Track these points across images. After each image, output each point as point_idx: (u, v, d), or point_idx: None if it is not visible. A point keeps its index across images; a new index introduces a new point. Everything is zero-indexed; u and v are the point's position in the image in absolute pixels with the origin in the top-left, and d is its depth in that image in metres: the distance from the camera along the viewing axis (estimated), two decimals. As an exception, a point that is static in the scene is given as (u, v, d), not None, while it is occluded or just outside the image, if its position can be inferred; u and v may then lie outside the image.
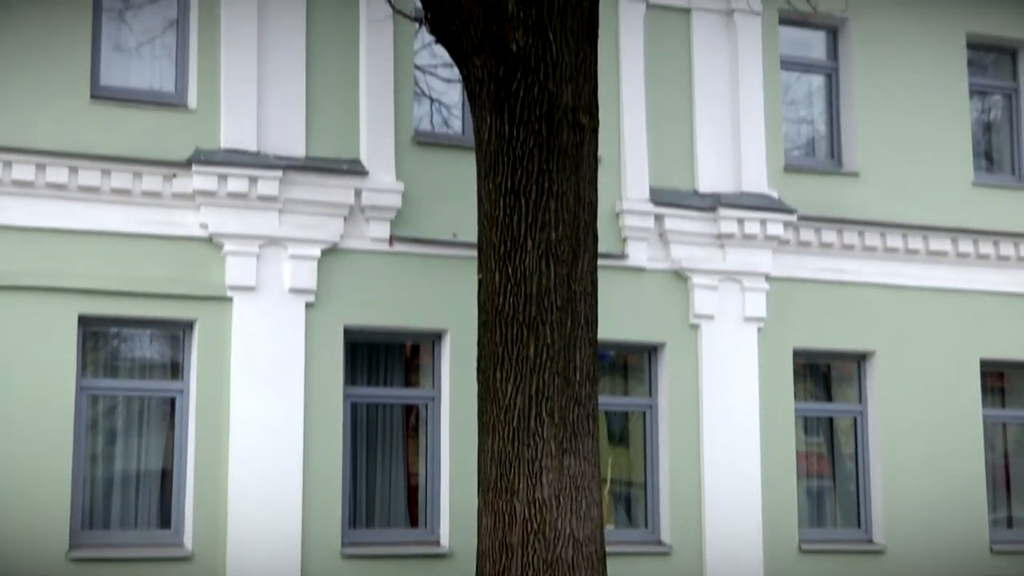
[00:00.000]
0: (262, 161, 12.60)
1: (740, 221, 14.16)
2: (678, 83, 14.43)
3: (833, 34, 15.48)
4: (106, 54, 12.73)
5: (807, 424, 14.90)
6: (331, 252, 12.87)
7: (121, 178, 12.27)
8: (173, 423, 12.54)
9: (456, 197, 12.96)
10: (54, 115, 12.21)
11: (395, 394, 13.52)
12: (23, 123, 12.11)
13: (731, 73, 14.58)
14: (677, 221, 14.06)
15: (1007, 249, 15.41)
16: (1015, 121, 16.22)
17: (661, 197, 14.04)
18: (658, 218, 14.00)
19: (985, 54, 16.28)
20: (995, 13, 15.95)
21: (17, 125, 12.09)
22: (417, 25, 12.55)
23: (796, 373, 14.59)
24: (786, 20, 14.90)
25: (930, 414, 14.88)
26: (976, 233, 15.28)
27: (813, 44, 15.56)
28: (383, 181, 13.01)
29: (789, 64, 15.25)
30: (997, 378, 15.79)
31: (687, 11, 14.56)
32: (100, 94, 12.51)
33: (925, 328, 15.03)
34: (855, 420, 14.94)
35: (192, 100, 12.74)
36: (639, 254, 13.94)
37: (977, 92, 16.12)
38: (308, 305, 12.74)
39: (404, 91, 13.35)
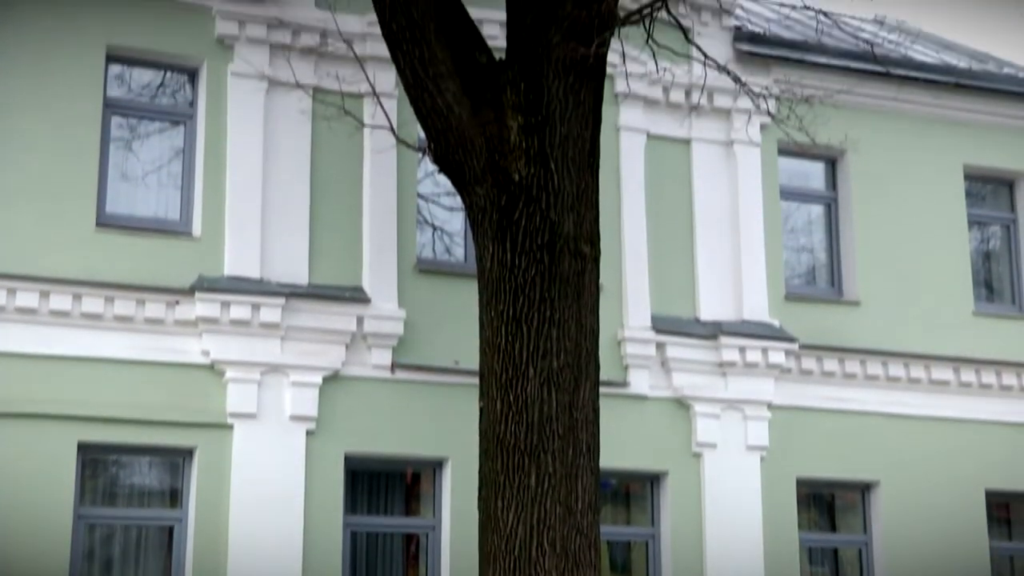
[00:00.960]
0: (265, 288, 12.64)
1: (742, 349, 14.16)
2: (679, 212, 14.53)
3: (832, 165, 15.63)
4: (112, 182, 12.83)
5: (812, 554, 14.72)
6: (333, 379, 12.85)
7: (124, 305, 12.29)
8: (171, 552, 12.39)
9: (458, 325, 12.96)
10: (59, 243, 12.27)
11: (395, 523, 13.40)
12: (28, 250, 12.15)
13: (731, 202, 14.69)
14: (679, 349, 14.06)
15: (1009, 379, 15.38)
16: (1014, 251, 16.31)
17: (663, 325, 14.06)
18: (660, 346, 14.00)
19: (983, 185, 16.43)
20: (992, 145, 16.13)
21: (22, 252, 12.12)
22: (420, 155, 12.67)
23: (800, 502, 14.47)
24: (785, 151, 15.03)
25: (936, 545, 14.70)
26: (978, 363, 15.26)
27: (812, 174, 15.71)
28: (385, 308, 13.05)
29: (789, 194, 15.38)
30: (1003, 509, 15.63)
31: (687, 142, 14.72)
32: (105, 222, 12.59)
33: (929, 458, 14.92)
34: (860, 550, 14.78)
35: (196, 228, 12.82)
36: (641, 382, 13.91)
37: (976, 222, 16.23)
38: (309, 432, 12.67)
39: (407, 219, 13.46)
